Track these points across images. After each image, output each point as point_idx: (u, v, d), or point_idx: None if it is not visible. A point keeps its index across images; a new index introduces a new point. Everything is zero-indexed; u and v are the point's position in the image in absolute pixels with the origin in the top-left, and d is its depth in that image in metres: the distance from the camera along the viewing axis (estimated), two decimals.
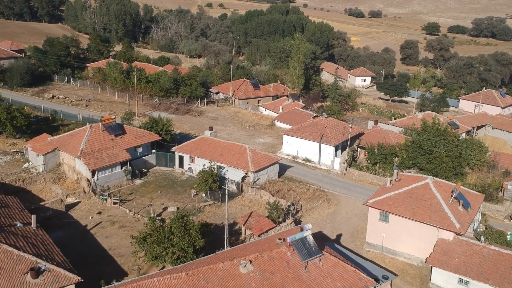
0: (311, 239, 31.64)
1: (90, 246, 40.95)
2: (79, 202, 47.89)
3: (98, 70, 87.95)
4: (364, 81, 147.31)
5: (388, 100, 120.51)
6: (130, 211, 46.54)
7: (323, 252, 31.65)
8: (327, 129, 60.99)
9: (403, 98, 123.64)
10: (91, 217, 45.34)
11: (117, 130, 54.75)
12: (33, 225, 37.32)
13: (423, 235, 40.16)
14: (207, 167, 50.05)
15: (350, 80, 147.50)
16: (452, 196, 41.29)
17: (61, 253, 34.72)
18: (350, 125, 58.86)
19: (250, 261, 29.74)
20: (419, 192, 41.94)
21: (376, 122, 71.43)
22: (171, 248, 34.66)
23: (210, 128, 59.43)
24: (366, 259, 39.75)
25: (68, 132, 55.15)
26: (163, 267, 37.54)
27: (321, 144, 59.85)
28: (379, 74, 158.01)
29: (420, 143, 58.98)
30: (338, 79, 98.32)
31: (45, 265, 31.40)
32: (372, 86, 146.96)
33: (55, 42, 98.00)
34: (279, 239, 33.19)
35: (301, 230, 32.41)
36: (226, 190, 39.06)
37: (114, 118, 55.91)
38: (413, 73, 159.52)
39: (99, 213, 46.16)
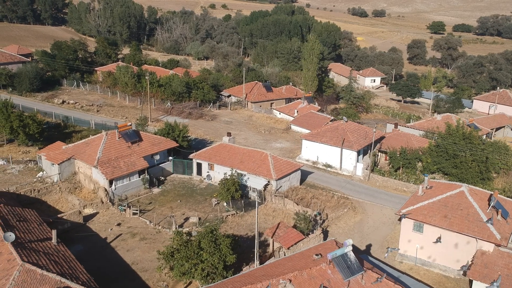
0: (352, 255, 29.82)
1: (111, 260, 39.18)
2: (97, 213, 46.16)
3: (108, 74, 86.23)
4: (374, 81, 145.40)
5: (400, 101, 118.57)
6: (150, 222, 44.76)
7: (365, 269, 29.83)
8: (348, 134, 59.14)
9: (415, 99, 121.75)
10: (111, 229, 43.58)
11: (133, 137, 53.03)
12: (54, 241, 35.64)
13: (461, 246, 38.34)
14: (229, 175, 48.21)
15: (360, 81, 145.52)
16: (489, 205, 39.44)
17: (84, 270, 33.01)
18: (374, 130, 56.99)
19: (290, 281, 27.93)
20: (454, 201, 40.10)
21: (396, 125, 69.52)
22: (201, 264, 32.88)
23: (228, 134, 57.64)
24: (403, 273, 37.97)
25: (83, 140, 53.39)
26: (190, 283, 35.87)
27: (343, 149, 57.99)
28: (388, 75, 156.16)
29: (445, 147, 57.07)
30: (352, 80, 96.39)
31: (69, 285, 29.68)
32: (381, 86, 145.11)
33: (63, 45, 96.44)
34: (316, 254, 31.37)
35: (335, 242, 30.60)
36: (256, 202, 37.17)
37: (130, 125, 54.19)
38: (422, 73, 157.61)
39: (119, 224, 44.41)
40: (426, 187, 44.14)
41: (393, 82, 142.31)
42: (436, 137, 60.34)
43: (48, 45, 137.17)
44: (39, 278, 29.69)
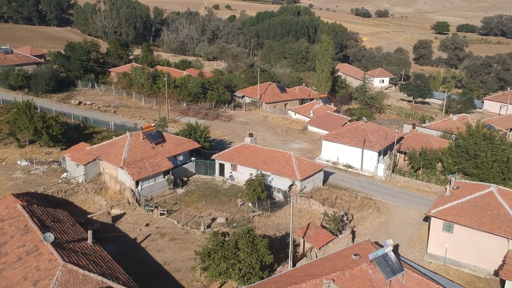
0: (392, 255, 30.07)
1: (143, 260, 39.38)
2: (125, 213, 46.38)
3: (124, 75, 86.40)
4: (383, 82, 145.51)
5: (410, 101, 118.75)
6: (178, 222, 44.97)
7: (405, 268, 30.05)
8: (369, 134, 59.34)
9: (425, 100, 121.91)
10: (139, 230, 43.79)
11: (157, 138, 53.27)
12: (90, 241, 35.89)
13: (491, 246, 38.51)
14: (254, 176, 48.41)
15: (369, 81, 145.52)
16: None
17: (123, 271, 33.24)
18: (397, 131, 57.25)
19: (333, 280, 28.16)
20: (484, 201, 40.29)
21: (414, 125, 69.71)
22: (238, 264, 33.08)
23: (250, 135, 57.85)
24: (435, 273, 38.16)
25: (108, 141, 53.61)
26: (224, 283, 36.04)
27: (364, 150, 58.19)
28: (396, 75, 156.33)
29: (466, 147, 57.25)
30: (367, 81, 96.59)
31: (111, 285, 29.90)
32: (390, 87, 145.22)
33: (77, 46, 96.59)
34: (355, 255, 31.60)
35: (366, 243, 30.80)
36: (291, 202, 37.36)
37: (154, 126, 54.42)
38: (429, 74, 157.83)
39: (147, 225, 44.61)
40: (453, 187, 44.34)
41: (402, 82, 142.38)
42: (454, 138, 60.48)
43: (58, 46, 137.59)
44: (81, 278, 29.89)
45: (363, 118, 63.19)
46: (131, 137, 52.11)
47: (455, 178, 45.74)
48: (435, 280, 34.52)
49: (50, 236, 32.53)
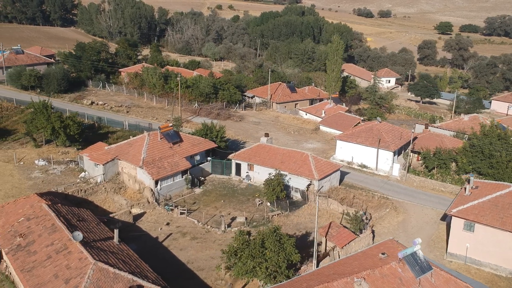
0: (421, 254, 30.29)
1: (167, 259, 39.67)
2: (144, 213, 46.66)
3: (135, 75, 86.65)
4: (389, 82, 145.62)
5: (418, 101, 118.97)
6: (198, 221, 45.23)
7: (433, 267, 30.28)
8: (384, 134, 59.60)
9: (433, 100, 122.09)
10: (160, 229, 44.07)
11: (175, 138, 53.54)
12: (116, 240, 36.18)
13: None
14: (273, 175, 48.66)
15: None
16: None
17: (151, 269, 33.52)
18: (413, 131, 57.48)
19: (364, 279, 28.39)
20: (505, 201, 40.52)
21: (427, 125, 69.94)
22: (265, 263, 33.31)
23: (266, 135, 58.11)
24: (458, 273, 38.39)
25: (126, 141, 53.90)
26: (248, 282, 36.28)
27: (379, 150, 58.43)
28: (401, 75, 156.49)
29: (480, 147, 57.47)
30: (377, 81, 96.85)
31: (141, 284, 30.16)
32: (396, 87, 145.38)
33: (87, 47, 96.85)
34: (382, 253, 31.82)
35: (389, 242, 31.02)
36: (316, 202, 37.60)
37: (172, 126, 54.68)
38: (435, 74, 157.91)
39: (168, 224, 44.89)
40: (472, 187, 44.59)
41: (409, 82, 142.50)
42: (467, 138, 60.65)
43: (66, 46, 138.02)
44: (112, 277, 30.16)
45: (377, 118, 63.41)
46: (149, 137, 52.38)
47: (474, 178, 45.94)
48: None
49: (79, 235, 32.83)
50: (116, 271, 30.55)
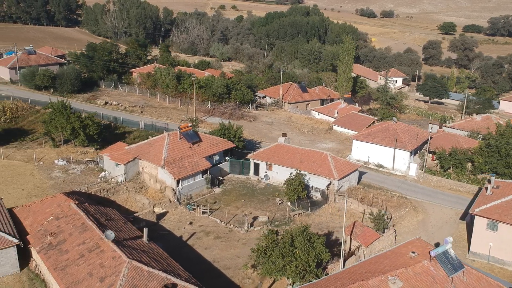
0: (452, 252, 30.62)
1: (192, 258, 39.97)
2: (167, 212, 46.99)
3: (148, 75, 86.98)
4: (396, 82, 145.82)
5: (426, 101, 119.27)
6: (221, 221, 45.55)
7: (465, 266, 30.60)
8: (400, 134, 59.90)
9: (441, 100, 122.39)
10: (184, 228, 44.41)
11: (194, 138, 53.89)
12: (145, 239, 36.49)
13: None
14: (294, 175, 48.98)
15: (381, 82, 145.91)
16: None
17: (182, 268, 33.85)
18: (430, 130, 57.74)
19: (398, 277, 28.71)
20: None
21: (441, 125, 70.24)
22: (294, 262, 33.64)
23: (284, 135, 58.45)
24: (484, 272, 38.62)
25: (146, 141, 54.24)
26: (274, 281, 36.58)
27: (396, 150, 58.74)
28: (408, 75, 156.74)
29: (497, 147, 57.74)
30: (389, 81, 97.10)
31: (175, 282, 30.48)
32: (403, 87, 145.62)
33: (98, 47, 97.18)
34: (412, 252, 32.15)
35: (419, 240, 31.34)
36: (345, 201, 37.85)
37: (191, 126, 55.03)
38: (441, 74, 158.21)
39: (190, 223, 45.22)
40: (493, 186, 44.89)
41: (417, 83, 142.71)
42: (481, 137, 60.91)
43: (75, 46, 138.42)
44: (146, 275, 30.48)
45: (394, 118, 63.72)
46: (169, 137, 52.71)
47: (495, 178, 46.25)
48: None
49: (111, 234, 33.16)
50: (150, 269, 30.88)
